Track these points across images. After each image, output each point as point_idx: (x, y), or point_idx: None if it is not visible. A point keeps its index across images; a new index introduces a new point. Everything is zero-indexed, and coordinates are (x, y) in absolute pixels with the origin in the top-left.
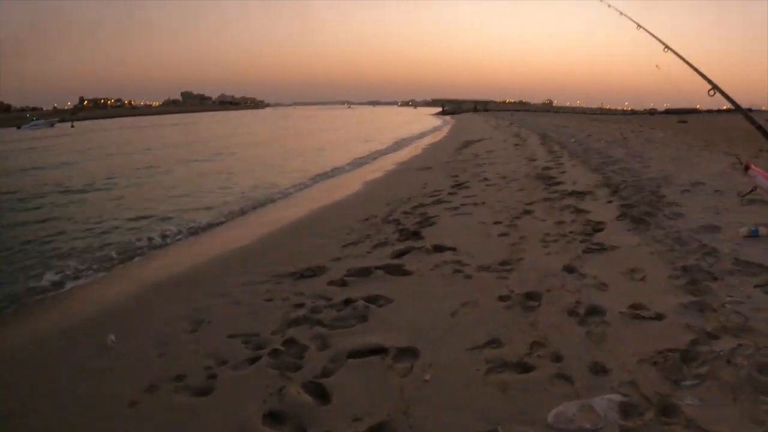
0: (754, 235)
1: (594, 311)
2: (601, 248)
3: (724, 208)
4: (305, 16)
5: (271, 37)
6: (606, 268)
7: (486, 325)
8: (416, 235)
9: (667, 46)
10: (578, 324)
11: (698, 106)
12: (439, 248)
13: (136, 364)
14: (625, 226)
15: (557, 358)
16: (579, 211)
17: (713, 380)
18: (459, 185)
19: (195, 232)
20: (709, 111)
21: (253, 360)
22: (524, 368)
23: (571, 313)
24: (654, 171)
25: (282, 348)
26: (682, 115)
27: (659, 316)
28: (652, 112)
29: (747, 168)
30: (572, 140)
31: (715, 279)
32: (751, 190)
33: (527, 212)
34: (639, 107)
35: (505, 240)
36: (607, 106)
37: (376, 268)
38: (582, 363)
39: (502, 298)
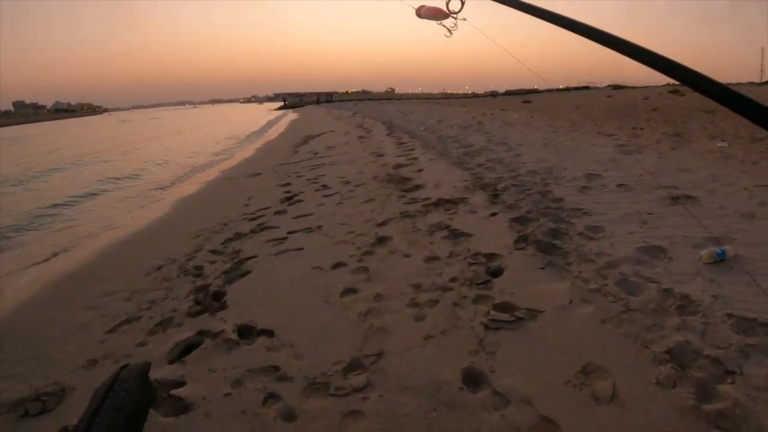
0: (720, 258)
1: None
2: (515, 318)
3: (646, 211)
4: (133, 15)
5: (100, 39)
6: (537, 369)
7: None
8: (218, 299)
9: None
10: None
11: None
12: (247, 332)
13: None
14: (532, 261)
15: None
16: (456, 234)
17: None
18: (290, 198)
19: None
20: (549, 90)
21: None
22: None
23: None
24: (531, 162)
25: None
26: (523, 95)
27: None
28: (493, 94)
29: (418, 13)
30: (422, 128)
31: (730, 374)
32: (449, 32)
33: (382, 241)
34: (479, 90)
35: (352, 304)
36: (449, 91)
37: None
38: None
39: None
